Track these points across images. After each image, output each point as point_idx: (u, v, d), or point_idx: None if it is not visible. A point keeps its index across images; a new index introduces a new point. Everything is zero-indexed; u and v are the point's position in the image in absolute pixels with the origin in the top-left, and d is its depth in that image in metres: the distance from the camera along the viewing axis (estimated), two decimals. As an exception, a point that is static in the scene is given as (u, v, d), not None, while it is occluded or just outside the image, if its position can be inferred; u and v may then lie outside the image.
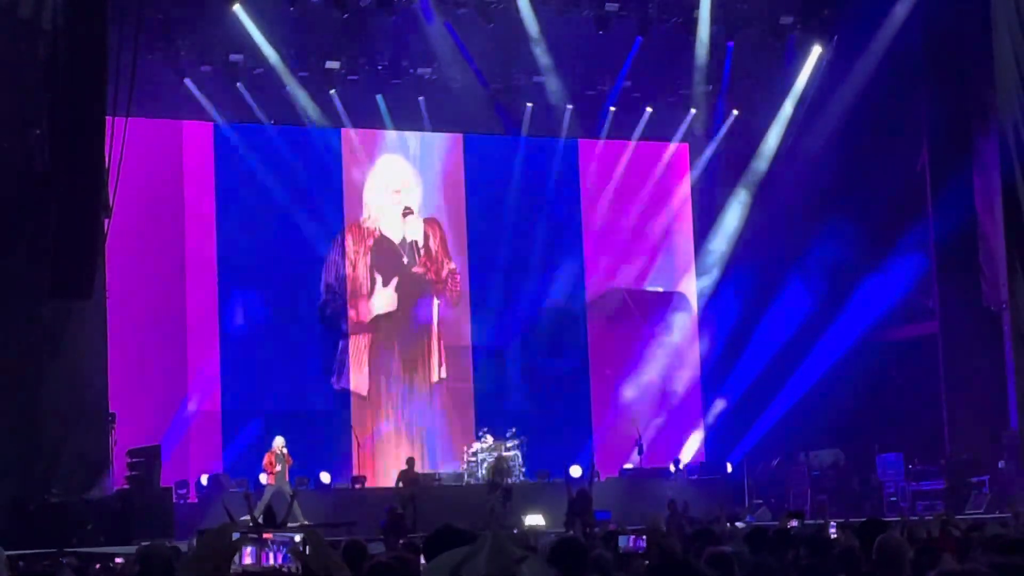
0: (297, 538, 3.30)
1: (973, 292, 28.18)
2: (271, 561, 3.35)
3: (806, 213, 29.88)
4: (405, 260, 30.07)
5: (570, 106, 30.23)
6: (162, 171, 27.55)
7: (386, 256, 29.91)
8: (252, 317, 28.27)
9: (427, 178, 30.47)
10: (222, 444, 27.39)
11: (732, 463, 29.25)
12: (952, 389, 28.00)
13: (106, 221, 22.72)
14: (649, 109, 30.86)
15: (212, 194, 28.43)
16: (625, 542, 5.72)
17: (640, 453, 28.44)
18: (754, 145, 30.84)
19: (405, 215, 30.10)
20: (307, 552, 3.25)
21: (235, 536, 3.22)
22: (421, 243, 30.21)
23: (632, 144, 31.60)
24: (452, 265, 30.38)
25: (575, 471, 28.20)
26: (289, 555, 3.34)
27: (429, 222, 30.36)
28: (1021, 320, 27.92)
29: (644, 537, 5.56)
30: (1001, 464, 27.04)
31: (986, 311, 28.19)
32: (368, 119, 29.44)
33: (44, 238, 21.57)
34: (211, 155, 28.54)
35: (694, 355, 31.82)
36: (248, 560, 3.32)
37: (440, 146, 30.69)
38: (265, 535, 3.36)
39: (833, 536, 12.40)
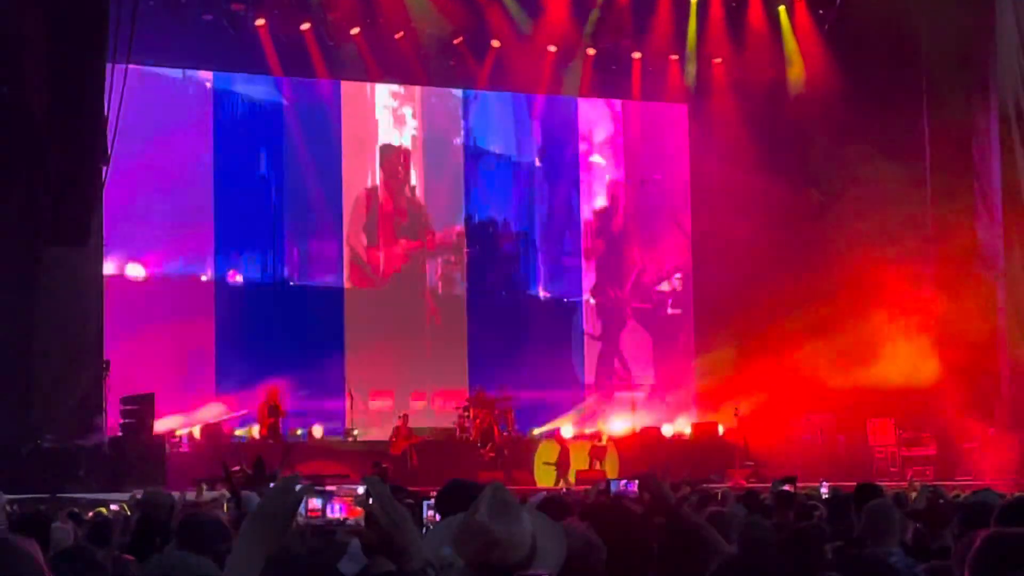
0: (360, 489, 3.31)
1: (969, 259, 28.18)
2: (335, 513, 3.36)
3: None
4: (404, 215, 29.99)
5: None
6: (161, 120, 27.40)
7: (384, 209, 29.85)
8: (248, 269, 28.22)
9: (428, 135, 30.39)
10: (215, 394, 27.35)
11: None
12: (944, 355, 28.01)
13: (104, 168, 22.68)
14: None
15: (211, 144, 28.29)
16: (616, 486, 5.71)
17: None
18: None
19: (405, 168, 30.01)
20: (371, 503, 3.25)
21: (298, 489, 3.23)
22: (420, 196, 30.15)
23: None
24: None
25: (566, 431, 28.35)
26: (354, 505, 3.35)
27: (428, 176, 30.30)
28: (1015, 288, 27.98)
29: (636, 481, 5.56)
30: (991, 431, 27.15)
31: (981, 278, 28.22)
32: (365, 74, 29.29)
33: (42, 184, 21.53)
34: (210, 105, 28.40)
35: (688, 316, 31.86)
36: (312, 512, 3.33)
37: (439, 102, 30.61)
38: (329, 489, 3.38)
39: (825, 497, 12.42)
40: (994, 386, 27.88)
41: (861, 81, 28.93)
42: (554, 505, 6.45)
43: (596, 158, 31.83)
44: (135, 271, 27.09)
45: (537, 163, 31.24)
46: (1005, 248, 28.15)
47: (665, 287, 31.96)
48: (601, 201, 31.80)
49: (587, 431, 28.52)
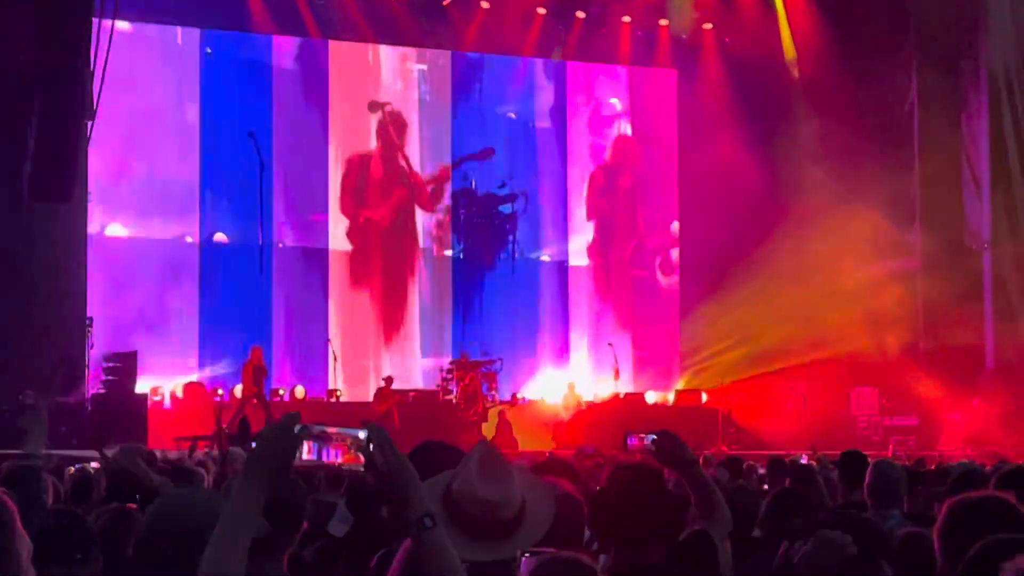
0: (362, 435, 3.26)
1: (955, 230, 28.23)
2: (332, 458, 3.32)
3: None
4: (395, 174, 29.89)
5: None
6: (148, 77, 27.23)
7: (374, 168, 29.74)
8: (232, 230, 28.09)
9: (418, 94, 30.27)
10: (199, 354, 27.31)
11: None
12: (929, 325, 28.09)
13: (89, 125, 22.54)
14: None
15: (198, 102, 28.12)
16: (633, 441, 5.68)
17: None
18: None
19: (396, 128, 29.88)
20: (371, 449, 3.21)
21: (296, 430, 3.19)
22: (411, 156, 30.04)
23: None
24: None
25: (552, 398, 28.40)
26: (352, 451, 3.31)
27: (419, 136, 30.20)
28: (1001, 261, 28.05)
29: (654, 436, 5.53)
30: (975, 402, 27.25)
31: (967, 249, 28.29)
32: (356, 33, 29.16)
33: (26, 140, 21.39)
34: (198, 63, 28.22)
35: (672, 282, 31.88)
36: (309, 456, 3.29)
37: (429, 63, 30.49)
38: (329, 431, 3.32)
39: (804, 463, 12.44)
40: (978, 357, 27.98)
41: (851, 53, 28.92)
42: (559, 465, 6.47)
43: (584, 120, 31.75)
44: (119, 230, 26.97)
45: (532, 124, 31.12)
46: (992, 222, 28.23)
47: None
48: (590, 166, 31.72)
49: (565, 397, 28.47)
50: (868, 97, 28.77)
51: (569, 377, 29.29)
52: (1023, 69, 28.20)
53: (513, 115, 30.95)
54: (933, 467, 12.87)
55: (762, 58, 30.27)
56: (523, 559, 3.89)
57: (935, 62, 28.53)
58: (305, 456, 3.27)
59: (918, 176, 28.78)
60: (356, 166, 29.56)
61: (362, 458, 3.29)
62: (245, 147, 27.35)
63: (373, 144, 29.80)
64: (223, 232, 28.11)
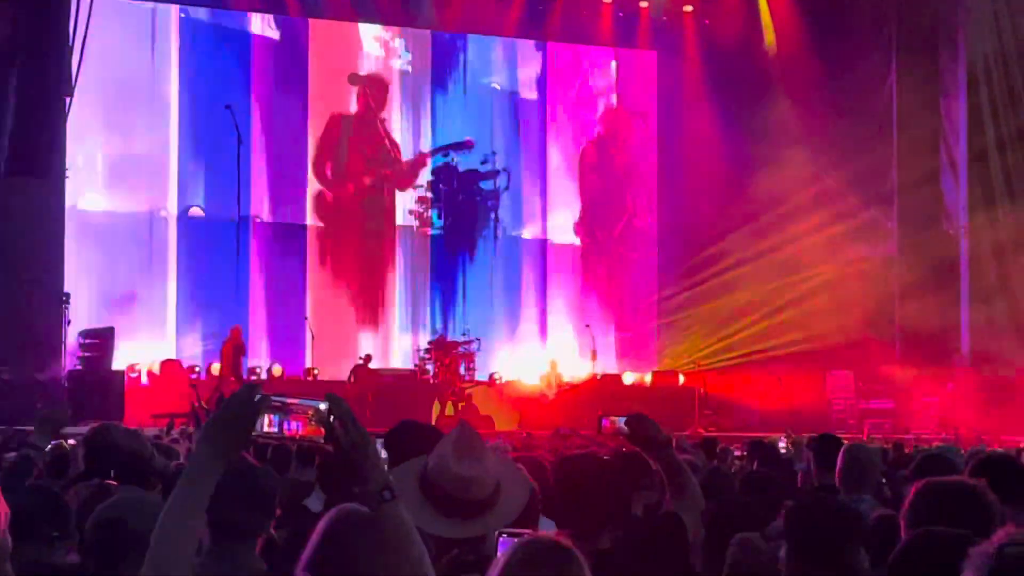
0: (323, 406, 3.26)
1: (932, 215, 28.31)
2: (293, 430, 3.31)
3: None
4: (375, 150, 29.80)
5: None
6: (127, 50, 27.06)
7: (353, 144, 29.65)
8: (210, 204, 27.96)
9: (398, 69, 30.19)
10: (176, 331, 27.25)
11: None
12: (905, 309, 28.17)
13: (68, 99, 22.47)
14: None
15: (177, 75, 27.98)
16: (606, 423, 5.72)
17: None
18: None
19: (377, 103, 29.79)
20: (332, 421, 3.21)
21: (256, 399, 3.18)
22: (391, 132, 29.96)
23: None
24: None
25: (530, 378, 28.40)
26: (313, 423, 3.30)
27: (400, 111, 30.12)
28: (978, 245, 28.15)
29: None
30: (950, 386, 27.38)
31: (944, 234, 28.38)
32: (337, 10, 29.07)
33: (3, 115, 21.31)
34: (176, 36, 28.04)
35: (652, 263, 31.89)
36: (269, 428, 3.28)
37: (409, 39, 30.39)
38: (289, 402, 3.31)
39: (783, 448, 12.50)
40: (954, 341, 28.09)
41: (830, 37, 28.92)
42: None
43: (557, 104, 31.71)
44: (95, 204, 26.83)
45: (515, 101, 31.00)
46: (969, 206, 28.32)
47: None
48: (575, 142, 31.66)
49: (547, 375, 28.48)
50: (847, 80, 28.78)
51: (548, 356, 29.24)
52: (1001, 53, 28.26)
53: (496, 88, 30.85)
54: (910, 451, 12.94)
55: (742, 41, 30.25)
56: (500, 540, 3.91)
57: (914, 46, 28.59)
58: (266, 428, 3.26)
59: (895, 159, 28.85)
60: (335, 140, 29.41)
61: (323, 430, 3.28)
62: (223, 121, 27.23)
63: (353, 118, 29.64)
64: (199, 207, 27.97)
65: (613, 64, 32.01)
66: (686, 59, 31.16)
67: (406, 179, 30.05)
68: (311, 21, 29.12)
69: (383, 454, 5.75)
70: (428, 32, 30.32)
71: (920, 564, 3.55)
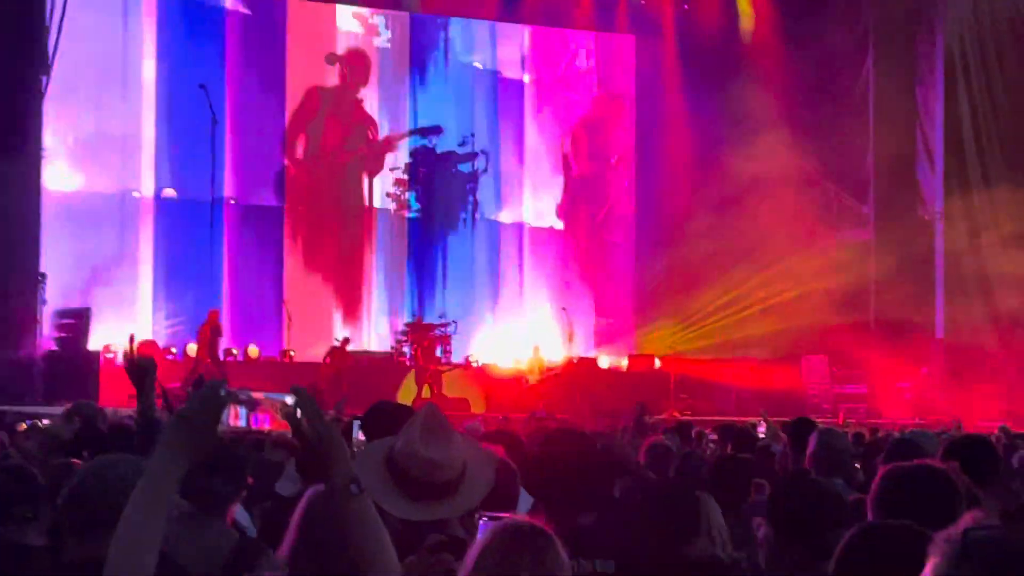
0: (289, 400, 3.25)
1: (908, 201, 28.39)
2: (259, 424, 3.29)
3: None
4: (352, 131, 29.73)
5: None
6: (102, 29, 26.91)
7: (330, 124, 29.57)
8: (185, 185, 27.83)
9: (376, 48, 30.10)
10: (152, 312, 27.17)
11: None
12: (880, 295, 28.27)
13: (44, 78, 22.39)
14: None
15: (153, 53, 27.81)
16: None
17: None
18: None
19: (355, 82, 29.71)
20: (299, 416, 3.20)
21: (223, 394, 3.17)
22: (369, 112, 29.89)
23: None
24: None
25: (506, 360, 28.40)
26: (281, 417, 3.29)
27: (378, 90, 30.05)
28: (953, 231, 28.25)
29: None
30: (924, 371, 27.50)
31: (920, 220, 28.47)
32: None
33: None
34: (153, 14, 27.88)
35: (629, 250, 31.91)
36: (239, 422, 3.26)
37: (389, 18, 30.30)
38: (256, 396, 3.29)
39: (761, 433, 12.53)
40: (929, 326, 28.20)
41: (808, 24, 28.91)
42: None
43: (526, 76, 31.66)
44: (70, 183, 26.71)
45: (494, 83, 30.95)
46: (944, 193, 28.41)
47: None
48: (554, 126, 31.64)
49: (530, 360, 28.43)
50: (823, 66, 28.82)
51: (531, 341, 29.12)
52: (978, 42, 28.34)
53: (477, 68, 30.77)
54: (883, 435, 12.99)
55: (719, 26, 30.29)
56: (481, 523, 3.93)
57: (891, 34, 28.64)
58: (232, 422, 3.24)
59: (872, 147, 28.91)
60: (311, 120, 29.29)
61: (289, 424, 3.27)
62: (198, 101, 27.14)
63: (330, 97, 29.48)
64: (173, 188, 27.82)
65: (592, 48, 31.98)
66: (664, 43, 31.16)
67: (381, 160, 29.93)
68: (289, 1, 29.03)
69: (360, 436, 5.79)
70: (406, 15, 30.23)
71: (865, 558, 3.55)
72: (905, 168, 28.59)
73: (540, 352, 28.06)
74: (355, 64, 29.75)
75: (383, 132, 29.96)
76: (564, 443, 5.34)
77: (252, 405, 3.22)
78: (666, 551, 4.70)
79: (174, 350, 26.15)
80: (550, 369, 27.63)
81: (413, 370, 26.65)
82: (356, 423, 6.00)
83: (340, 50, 29.71)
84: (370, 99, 29.94)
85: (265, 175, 28.87)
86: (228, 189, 27.97)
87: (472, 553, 3.37)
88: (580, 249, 31.51)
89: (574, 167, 31.64)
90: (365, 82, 29.89)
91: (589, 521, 5.03)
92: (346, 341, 26.58)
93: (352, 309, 29.26)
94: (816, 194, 28.83)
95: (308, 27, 29.40)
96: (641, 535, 4.88)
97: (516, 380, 27.60)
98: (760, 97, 29.13)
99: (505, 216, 31.02)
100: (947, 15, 28.59)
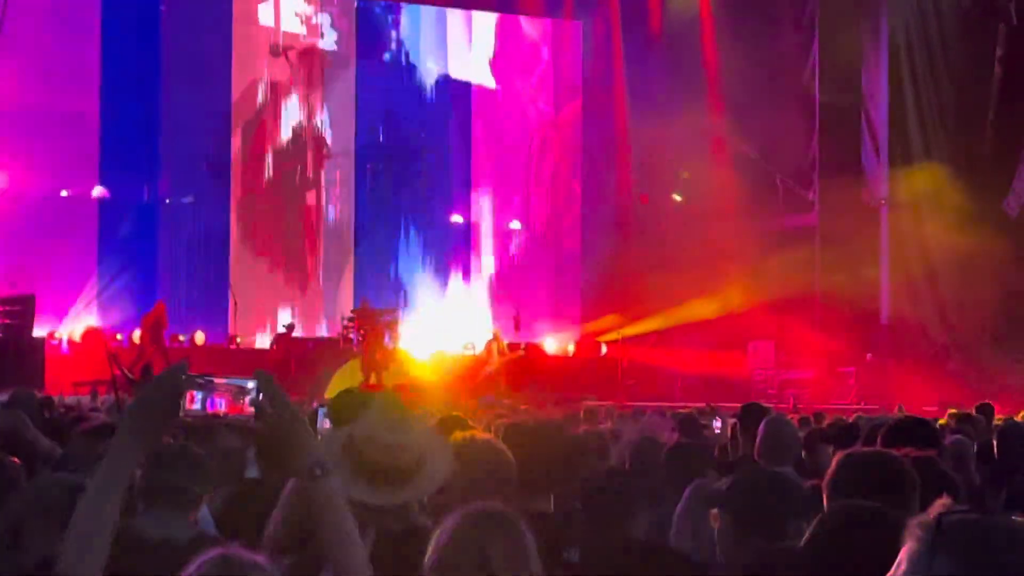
0: (250, 384, 3.22)
1: (853, 187, 28.55)
2: (216, 408, 3.26)
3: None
4: (299, 127, 29.59)
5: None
6: (47, 26, 26.55)
7: (276, 120, 29.44)
8: (130, 183, 27.64)
9: (321, 43, 29.96)
10: (97, 297, 26.99)
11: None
12: (825, 280, 28.42)
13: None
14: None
15: (97, 51, 27.54)
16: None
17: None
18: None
19: (301, 77, 29.57)
20: (260, 399, 3.18)
21: (183, 379, 3.14)
22: (316, 108, 29.76)
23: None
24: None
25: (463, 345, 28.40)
26: (238, 401, 3.27)
27: (325, 87, 29.91)
28: (898, 216, 28.45)
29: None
30: (868, 356, 27.70)
31: (864, 206, 28.63)
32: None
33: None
34: (98, 11, 27.57)
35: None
36: (194, 406, 3.23)
37: (333, 8, 30.18)
38: (216, 381, 3.26)
39: (716, 429, 12.52)
40: (873, 311, 28.38)
41: (753, 9, 29.03)
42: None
43: (475, 70, 31.61)
44: (16, 179, 26.46)
45: (444, 78, 30.83)
46: (889, 179, 28.60)
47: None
48: (504, 124, 31.62)
49: (489, 344, 28.33)
50: (768, 53, 28.93)
51: (487, 329, 29.04)
52: (922, 27, 28.51)
53: (426, 65, 30.67)
54: (830, 421, 13.04)
55: (664, 13, 30.38)
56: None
57: (836, 19, 28.76)
58: (189, 406, 3.22)
59: (817, 133, 29.05)
60: (257, 116, 29.17)
61: (248, 407, 3.24)
62: (141, 96, 26.98)
63: (277, 93, 29.37)
64: (119, 184, 27.57)
65: (541, 36, 31.95)
66: (609, 31, 31.18)
67: (327, 154, 29.76)
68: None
69: (326, 423, 5.79)
70: (355, 3, 30.09)
71: (839, 537, 3.60)
72: (850, 154, 28.75)
73: (501, 338, 27.93)
74: (300, 58, 29.57)
75: (329, 127, 29.80)
76: (527, 430, 5.38)
77: (210, 389, 3.20)
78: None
79: (120, 337, 26.01)
80: (511, 354, 27.56)
81: (359, 356, 26.55)
82: (321, 411, 6.01)
83: (286, 45, 29.43)
84: (315, 93, 29.75)
85: (210, 168, 28.54)
86: (173, 183, 27.84)
87: (440, 536, 3.37)
88: (528, 240, 31.52)
89: (524, 161, 31.64)
90: (310, 75, 29.71)
91: (552, 507, 5.06)
92: (291, 327, 26.48)
93: (299, 298, 29.13)
94: (762, 179, 28.94)
95: (252, 21, 29.11)
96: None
97: (476, 369, 27.39)
98: (703, 82, 29.29)
99: (454, 212, 30.94)
100: (891, 1, 28.76)
